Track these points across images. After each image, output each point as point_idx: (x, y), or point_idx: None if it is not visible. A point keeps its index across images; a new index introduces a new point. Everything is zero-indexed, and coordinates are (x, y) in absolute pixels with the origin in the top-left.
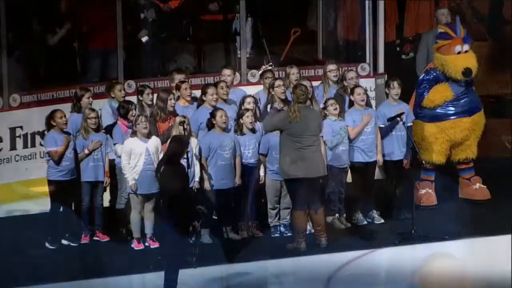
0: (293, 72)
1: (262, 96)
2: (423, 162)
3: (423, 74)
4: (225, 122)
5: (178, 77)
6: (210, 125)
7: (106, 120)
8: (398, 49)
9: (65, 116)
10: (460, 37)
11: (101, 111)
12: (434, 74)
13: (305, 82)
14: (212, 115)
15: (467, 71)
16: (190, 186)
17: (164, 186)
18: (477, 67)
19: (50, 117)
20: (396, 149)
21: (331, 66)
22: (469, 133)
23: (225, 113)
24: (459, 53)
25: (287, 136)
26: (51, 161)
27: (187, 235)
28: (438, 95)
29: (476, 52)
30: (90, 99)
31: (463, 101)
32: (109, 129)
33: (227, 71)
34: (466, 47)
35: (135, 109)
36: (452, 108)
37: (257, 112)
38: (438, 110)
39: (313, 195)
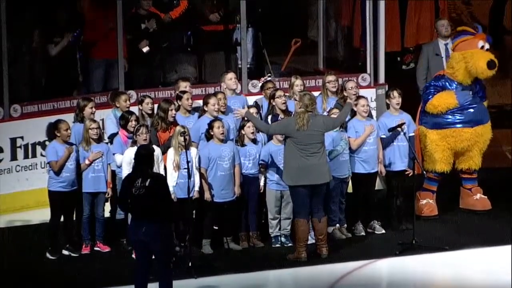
0: (297, 83)
1: (264, 103)
2: (425, 172)
3: (432, 80)
4: (222, 133)
5: (184, 85)
6: (209, 136)
7: (110, 130)
8: (398, 59)
9: (69, 128)
10: (483, 33)
11: (105, 121)
12: (443, 81)
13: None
14: (210, 126)
15: (491, 62)
16: (190, 196)
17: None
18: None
19: (54, 127)
20: (398, 160)
21: (330, 77)
22: (471, 144)
23: (222, 124)
24: (482, 47)
25: (293, 144)
26: (52, 171)
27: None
28: (442, 101)
29: None
30: (93, 109)
31: (467, 111)
32: (113, 138)
33: (231, 75)
34: (487, 45)
35: (135, 120)
36: (455, 117)
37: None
38: (440, 118)
39: (318, 203)
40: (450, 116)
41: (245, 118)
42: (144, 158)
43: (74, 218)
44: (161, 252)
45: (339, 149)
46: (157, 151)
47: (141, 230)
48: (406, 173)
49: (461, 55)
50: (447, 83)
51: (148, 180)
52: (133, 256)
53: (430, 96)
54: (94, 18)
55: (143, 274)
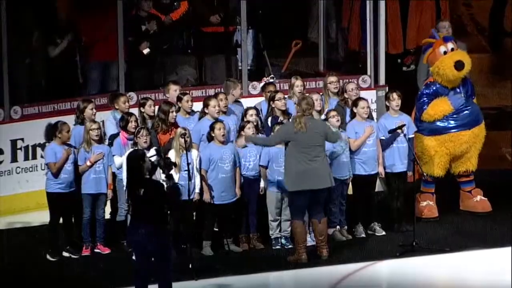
0: (297, 84)
1: (264, 106)
2: (424, 174)
3: (423, 88)
4: (224, 135)
5: (174, 88)
6: (210, 138)
7: (110, 131)
8: (399, 61)
9: (70, 130)
10: (440, 38)
11: (105, 123)
12: (434, 88)
13: (315, 96)
14: (211, 127)
15: (458, 63)
16: (191, 198)
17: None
18: (470, 63)
19: (55, 128)
20: (398, 161)
21: (332, 78)
22: (469, 146)
23: (223, 126)
24: (445, 53)
25: (294, 147)
26: (50, 173)
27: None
28: (438, 109)
29: (477, 64)
30: (94, 110)
31: (463, 114)
32: (113, 139)
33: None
34: (450, 45)
35: (135, 121)
36: (451, 122)
37: (259, 123)
38: (437, 124)
39: (317, 205)
40: (446, 121)
41: (244, 119)
42: (132, 164)
43: (73, 220)
44: (159, 254)
45: (339, 150)
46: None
47: (139, 231)
48: (409, 175)
49: (434, 69)
50: (438, 89)
51: (143, 186)
52: (134, 257)
53: (425, 106)
54: (93, 19)
55: (143, 275)
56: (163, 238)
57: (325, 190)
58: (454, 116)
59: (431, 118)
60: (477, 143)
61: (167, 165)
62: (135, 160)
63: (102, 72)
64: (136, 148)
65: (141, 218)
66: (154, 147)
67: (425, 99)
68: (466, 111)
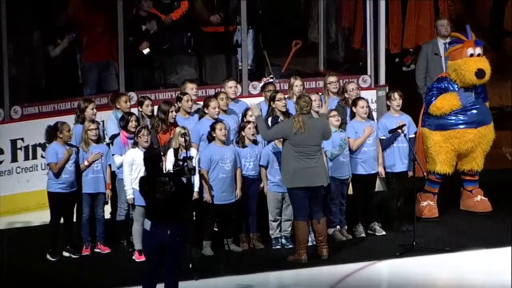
0: (297, 84)
1: (263, 107)
2: (425, 174)
3: (434, 82)
4: (225, 135)
5: (190, 86)
6: (211, 138)
7: (112, 131)
8: (397, 60)
9: (71, 129)
10: (472, 39)
11: (106, 122)
12: (445, 83)
13: (314, 96)
14: (212, 128)
15: (480, 72)
16: None
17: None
18: (490, 74)
19: (56, 129)
20: (398, 161)
21: (331, 78)
22: (475, 145)
23: (224, 126)
24: (471, 55)
25: (291, 146)
26: (51, 173)
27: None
28: (446, 102)
29: None
30: (94, 110)
31: (470, 112)
32: (113, 139)
33: (232, 83)
34: (478, 50)
35: (135, 121)
36: (458, 118)
37: None
38: (444, 119)
39: (316, 205)
40: (453, 117)
41: (244, 120)
42: (151, 161)
43: (74, 220)
44: (177, 255)
45: (339, 150)
46: None
47: (165, 232)
48: (409, 176)
49: (453, 66)
50: (449, 85)
51: (171, 182)
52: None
53: (433, 98)
54: (89, 20)
55: (153, 278)
56: (185, 238)
57: (321, 188)
58: (462, 113)
59: (438, 111)
60: (484, 144)
61: (189, 170)
62: (155, 158)
63: (104, 72)
64: (154, 146)
65: (166, 218)
66: (183, 155)
67: (434, 91)
68: (474, 110)
